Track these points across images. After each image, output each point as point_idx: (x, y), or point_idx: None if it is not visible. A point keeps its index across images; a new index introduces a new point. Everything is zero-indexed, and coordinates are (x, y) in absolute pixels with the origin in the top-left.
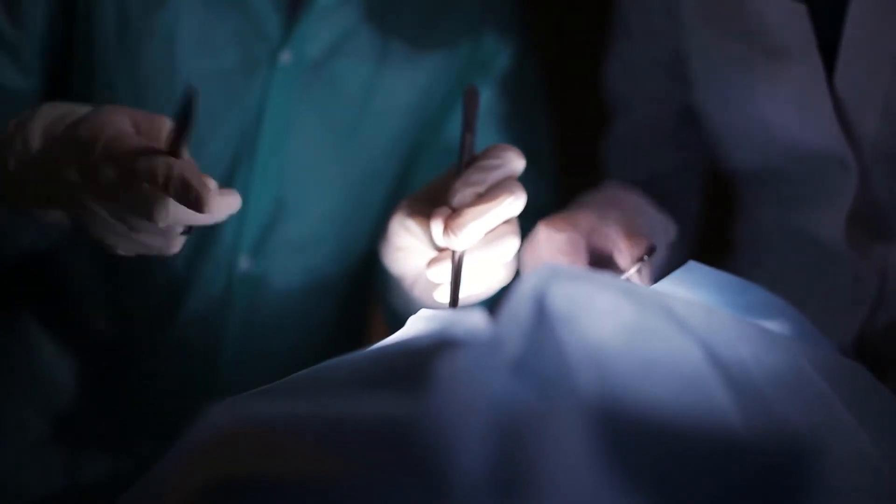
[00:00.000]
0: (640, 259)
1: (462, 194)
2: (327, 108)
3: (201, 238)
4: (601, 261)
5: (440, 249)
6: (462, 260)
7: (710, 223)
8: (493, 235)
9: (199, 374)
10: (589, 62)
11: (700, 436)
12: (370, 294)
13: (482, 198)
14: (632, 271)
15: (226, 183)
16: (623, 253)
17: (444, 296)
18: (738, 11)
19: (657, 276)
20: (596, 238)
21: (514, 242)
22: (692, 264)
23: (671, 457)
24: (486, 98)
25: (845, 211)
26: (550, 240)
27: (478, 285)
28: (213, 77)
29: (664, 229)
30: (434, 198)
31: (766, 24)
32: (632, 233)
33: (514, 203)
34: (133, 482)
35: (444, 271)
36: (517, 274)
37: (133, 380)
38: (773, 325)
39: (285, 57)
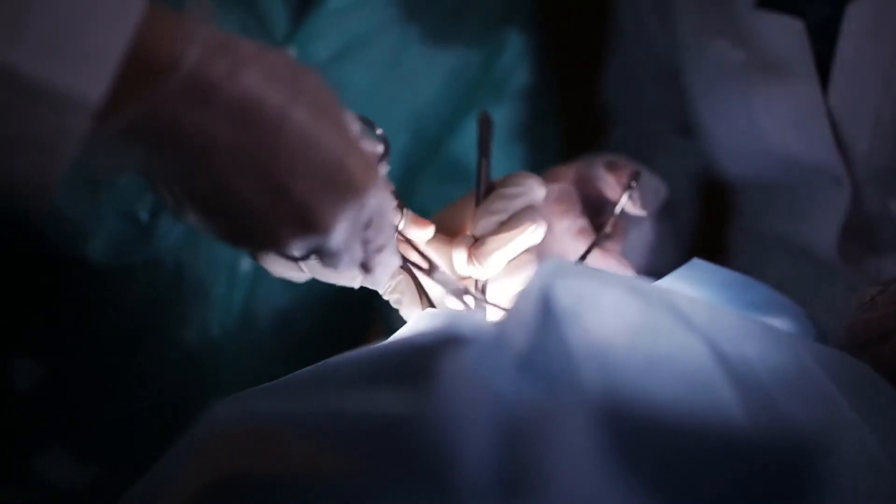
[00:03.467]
0: (629, 186)
1: (485, 222)
2: None
3: (202, 239)
4: (595, 204)
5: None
6: (485, 288)
7: (704, 230)
8: (515, 264)
9: (200, 373)
10: (594, 75)
11: (705, 433)
12: (368, 303)
13: (504, 226)
14: (623, 200)
15: None
16: (610, 184)
17: None
18: (735, 27)
19: (649, 245)
20: (584, 184)
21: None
22: (696, 261)
23: (676, 454)
24: (497, 117)
25: (838, 224)
26: (543, 195)
27: (499, 314)
28: None
29: (654, 188)
30: (448, 225)
31: (764, 39)
32: (614, 164)
33: (537, 231)
34: (130, 480)
35: (467, 300)
36: None
37: (132, 379)
38: (777, 323)
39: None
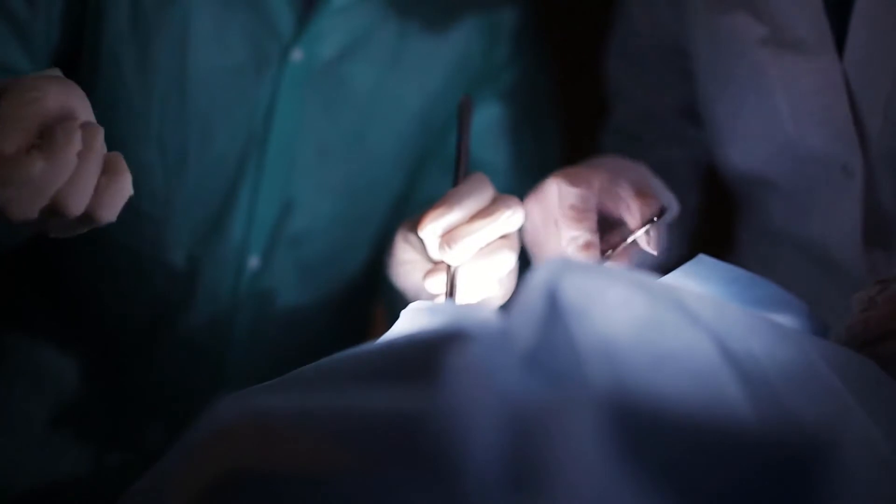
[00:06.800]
0: (651, 220)
1: (459, 210)
2: (336, 109)
3: (207, 237)
4: (609, 222)
5: (437, 262)
6: (456, 272)
7: (711, 225)
8: (488, 249)
9: (207, 369)
10: (596, 70)
11: (712, 429)
12: (373, 298)
13: (480, 212)
14: (640, 232)
15: (234, 181)
16: (633, 213)
17: None
18: (749, 2)
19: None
20: (607, 198)
21: (508, 257)
22: (702, 257)
23: (684, 450)
24: (496, 110)
25: (850, 217)
26: (562, 194)
27: (472, 297)
28: (223, 73)
29: (669, 202)
30: None
31: (780, 14)
32: (643, 193)
33: (511, 219)
34: (139, 475)
35: (439, 283)
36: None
37: (139, 374)
38: (783, 319)
39: (296, 55)
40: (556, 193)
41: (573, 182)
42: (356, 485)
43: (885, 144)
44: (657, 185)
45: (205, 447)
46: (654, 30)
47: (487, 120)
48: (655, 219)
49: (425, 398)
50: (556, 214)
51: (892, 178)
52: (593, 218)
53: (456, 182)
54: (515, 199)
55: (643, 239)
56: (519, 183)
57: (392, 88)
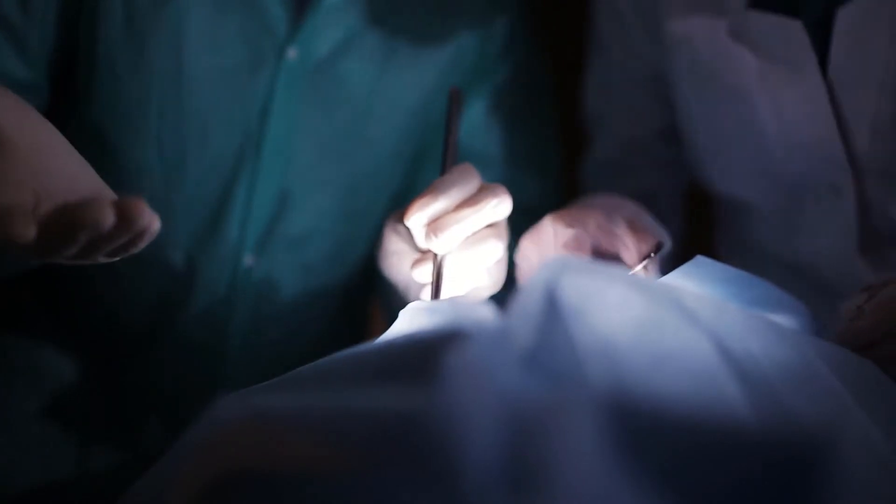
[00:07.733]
0: (648, 256)
1: (445, 199)
2: (332, 107)
3: (204, 236)
4: (604, 256)
5: (424, 251)
6: (443, 261)
7: (693, 245)
8: (475, 238)
9: (205, 368)
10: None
11: (711, 429)
12: (371, 295)
13: (466, 201)
14: (638, 268)
15: (231, 180)
16: (630, 249)
17: (428, 296)
18: (731, 26)
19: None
20: (602, 237)
21: (495, 246)
22: (700, 258)
23: (682, 450)
24: (492, 102)
25: (841, 236)
26: (557, 234)
27: (459, 287)
28: (219, 73)
29: (663, 238)
30: None
31: (763, 37)
32: (639, 230)
33: (498, 207)
34: (139, 475)
35: (426, 272)
36: (511, 276)
37: (138, 373)
38: (781, 319)
39: (291, 54)
40: (551, 234)
41: (568, 223)
42: (355, 485)
43: (873, 160)
44: (650, 221)
45: (204, 447)
46: (630, 59)
47: (483, 112)
48: (652, 254)
49: (424, 398)
50: (549, 252)
51: (883, 193)
52: (586, 257)
53: (443, 172)
54: (502, 188)
55: (640, 274)
56: (515, 175)
57: (388, 85)
